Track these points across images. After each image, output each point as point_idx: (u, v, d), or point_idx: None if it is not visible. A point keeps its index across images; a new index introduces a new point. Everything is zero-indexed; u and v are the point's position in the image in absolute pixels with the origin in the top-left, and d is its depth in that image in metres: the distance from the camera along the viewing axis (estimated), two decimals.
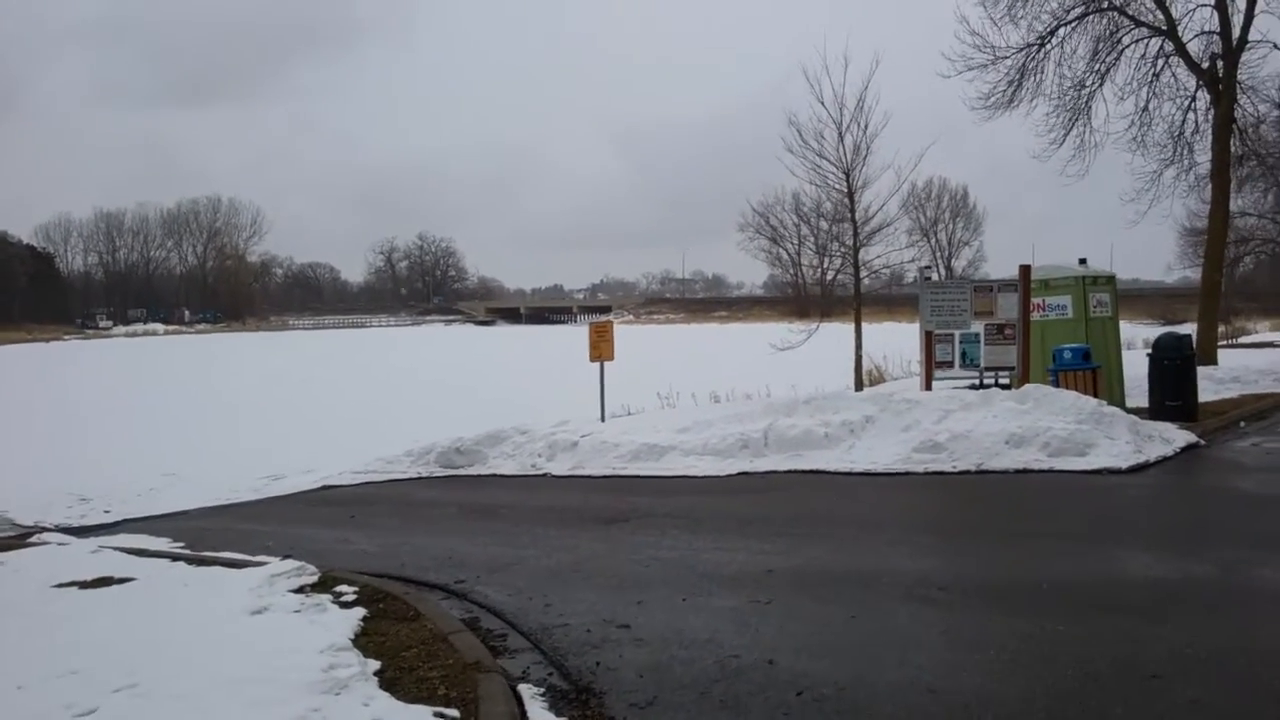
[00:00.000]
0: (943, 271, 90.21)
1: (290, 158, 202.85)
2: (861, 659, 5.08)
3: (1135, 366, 14.71)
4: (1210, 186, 20.23)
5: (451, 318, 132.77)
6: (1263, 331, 40.42)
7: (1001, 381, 13.51)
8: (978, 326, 13.77)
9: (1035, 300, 14.14)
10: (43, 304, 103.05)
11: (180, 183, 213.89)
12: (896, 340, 23.99)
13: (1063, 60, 20.03)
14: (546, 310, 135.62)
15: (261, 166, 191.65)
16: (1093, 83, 20.10)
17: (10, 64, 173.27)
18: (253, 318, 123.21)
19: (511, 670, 5.15)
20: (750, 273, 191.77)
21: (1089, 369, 12.80)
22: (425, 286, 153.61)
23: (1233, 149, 19.97)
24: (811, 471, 10.82)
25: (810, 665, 5.00)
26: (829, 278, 22.57)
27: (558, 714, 4.55)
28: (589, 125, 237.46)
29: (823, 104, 17.52)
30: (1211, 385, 15.56)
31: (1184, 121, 20.20)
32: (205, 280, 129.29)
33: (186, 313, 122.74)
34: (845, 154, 17.66)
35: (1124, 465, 9.93)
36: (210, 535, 9.51)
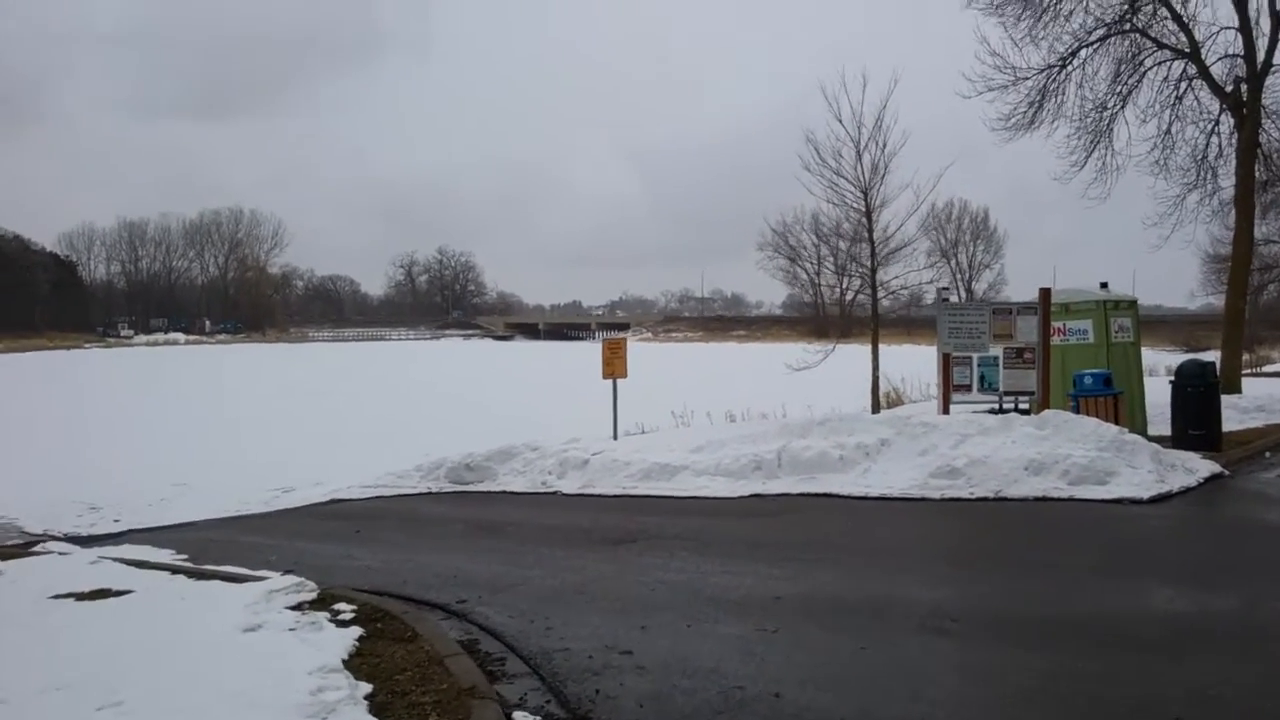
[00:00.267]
0: (963, 294, 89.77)
1: (311, 170, 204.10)
2: (871, 693, 4.91)
3: (1157, 393, 14.46)
4: (1234, 212, 19.93)
5: (470, 332, 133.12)
6: None
7: (1021, 406, 13.31)
8: (996, 350, 13.57)
9: (1055, 324, 13.94)
10: (65, 312, 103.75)
11: (203, 194, 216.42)
12: (915, 362, 23.77)
13: (1084, 82, 19.84)
14: (565, 326, 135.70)
15: (283, 179, 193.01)
16: (1114, 105, 19.89)
17: (37, 74, 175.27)
18: (273, 329, 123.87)
19: (508, 696, 5.00)
20: (769, 292, 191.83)
21: (1110, 395, 12.57)
22: (444, 301, 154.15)
23: (1257, 174, 19.70)
24: (825, 495, 10.63)
25: (817, 698, 4.83)
26: (848, 298, 22.43)
27: None
28: (609, 143, 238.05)
29: (841, 122, 17.46)
30: (1236, 414, 15.29)
31: (1207, 145, 19.95)
32: (226, 291, 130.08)
33: (208, 323, 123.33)
34: (863, 173, 17.58)
35: (1146, 495, 9.70)
36: (214, 548, 9.41)
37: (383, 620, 6.09)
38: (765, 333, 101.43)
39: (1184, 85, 19.62)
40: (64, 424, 26.10)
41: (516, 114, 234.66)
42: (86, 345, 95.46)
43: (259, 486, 14.58)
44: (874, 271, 18.05)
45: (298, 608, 6.24)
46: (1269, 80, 18.76)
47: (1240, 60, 18.90)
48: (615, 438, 15.15)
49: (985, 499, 9.99)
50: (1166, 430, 13.16)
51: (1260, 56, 18.51)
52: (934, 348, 14.33)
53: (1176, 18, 18.82)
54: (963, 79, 19.96)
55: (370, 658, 5.31)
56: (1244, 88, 18.86)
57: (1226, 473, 10.98)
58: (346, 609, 6.29)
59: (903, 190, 17.88)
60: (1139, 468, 10.37)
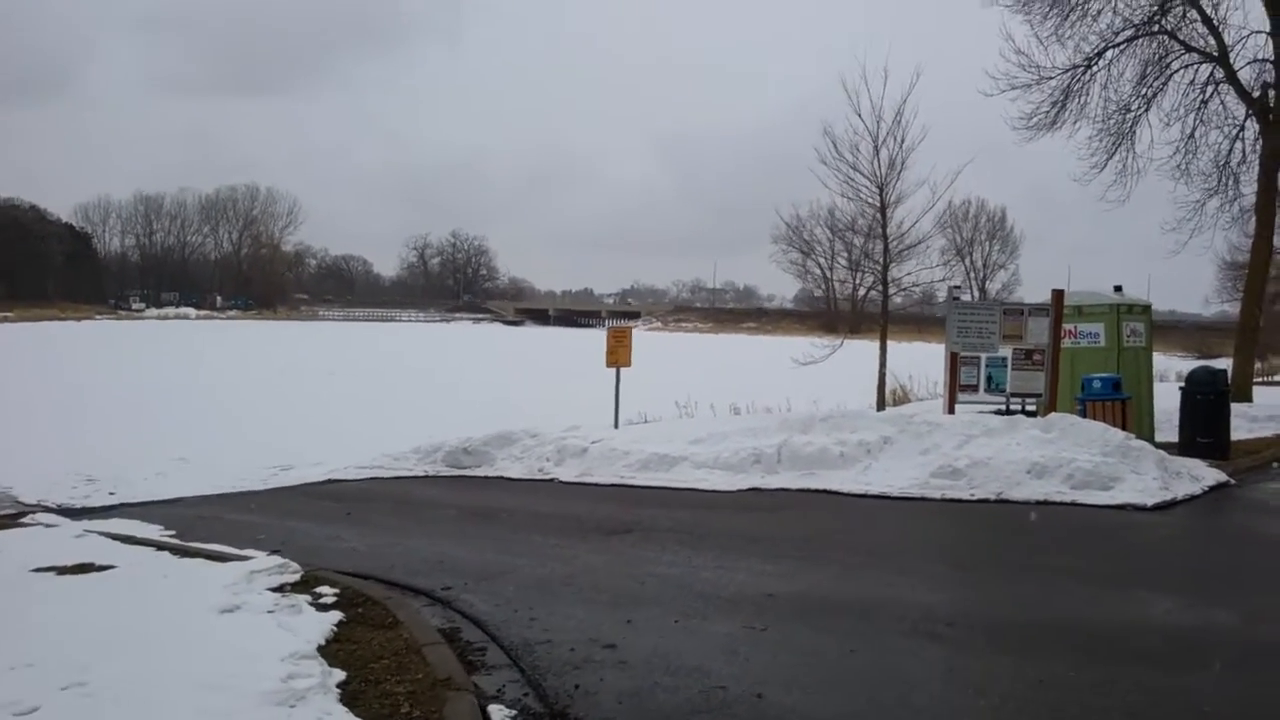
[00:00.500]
0: (976, 294, 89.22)
1: (328, 150, 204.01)
2: (856, 697, 4.78)
3: (1166, 399, 14.26)
4: (1254, 219, 19.65)
5: (480, 316, 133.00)
6: None
7: (1028, 408, 13.12)
8: (1005, 351, 13.38)
9: (1067, 326, 13.73)
10: (78, 283, 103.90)
11: (222, 171, 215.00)
12: (924, 361, 23.57)
13: (1109, 83, 19.54)
14: (575, 313, 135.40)
15: (300, 158, 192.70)
16: (1138, 107, 19.60)
17: (61, 49, 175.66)
18: (284, 306, 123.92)
19: (485, 688, 4.89)
20: (781, 285, 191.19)
21: (1119, 400, 12.39)
22: (456, 284, 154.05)
23: None
24: (824, 491, 10.48)
25: (801, 701, 4.70)
26: (860, 294, 22.26)
27: None
28: (627, 131, 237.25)
29: (860, 116, 17.28)
30: (1245, 423, 15.06)
31: (1231, 151, 19.63)
32: (239, 267, 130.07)
33: (219, 298, 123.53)
34: (880, 168, 17.40)
35: (1149, 502, 9.53)
36: (203, 524, 9.33)
37: (364, 605, 5.99)
38: (775, 326, 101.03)
39: (1210, 89, 19.31)
40: (69, 395, 26.08)
41: (536, 101, 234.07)
42: (98, 317, 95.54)
43: (258, 463, 14.50)
44: (886, 268, 17.88)
45: (279, 589, 6.14)
46: None
47: (1269, 65, 18.59)
48: (616, 427, 15.03)
49: (986, 500, 9.84)
50: (1174, 437, 12.97)
51: None
52: (943, 346, 14.15)
53: (1207, 20, 18.52)
54: (985, 76, 19.70)
55: (348, 644, 5.21)
56: (1272, 94, 18.57)
57: (1233, 482, 10.80)
58: (328, 592, 6.20)
59: (919, 187, 17.69)
60: (1144, 474, 10.20)
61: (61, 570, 6.60)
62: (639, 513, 9.62)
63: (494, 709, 4.58)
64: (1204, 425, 12.55)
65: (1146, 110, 19.63)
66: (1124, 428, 11.56)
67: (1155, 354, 15.53)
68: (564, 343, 63.77)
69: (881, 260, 17.91)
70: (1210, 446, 12.31)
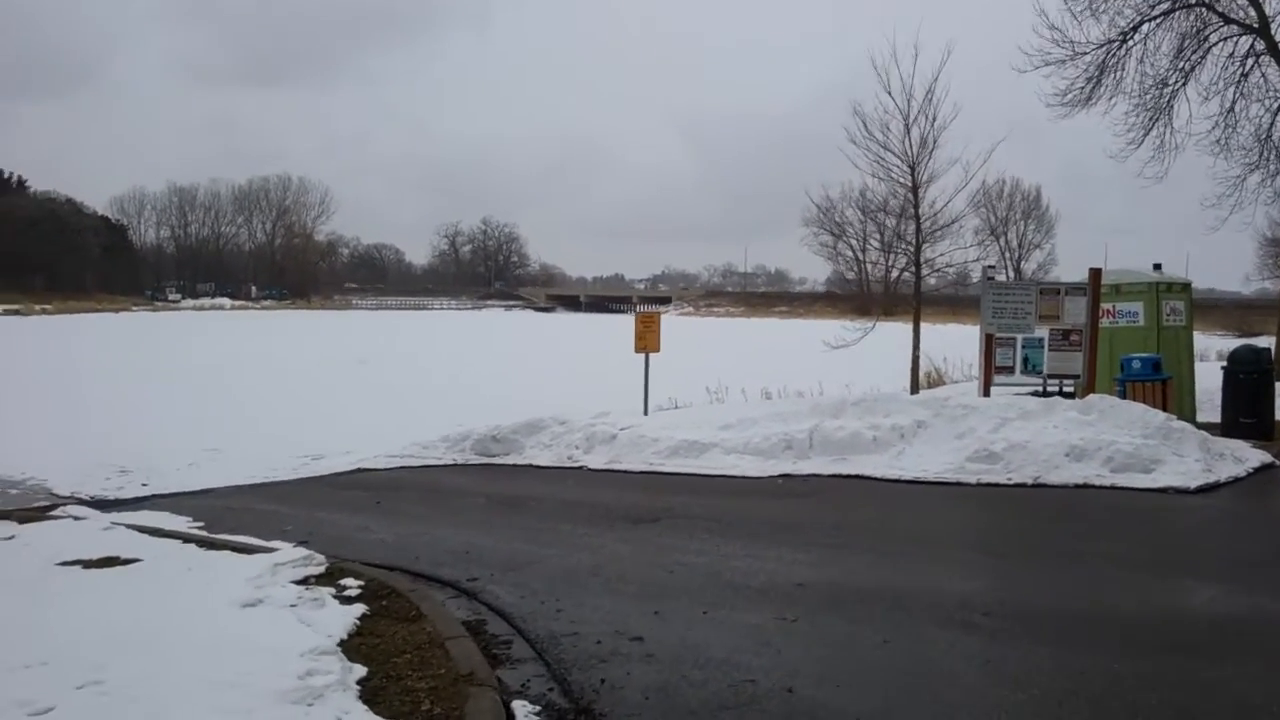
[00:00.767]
0: (1011, 274, 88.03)
1: (360, 140, 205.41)
2: (890, 692, 4.64)
3: (1207, 379, 13.95)
4: None
5: (512, 303, 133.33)
6: None
7: (1065, 390, 12.86)
8: (1042, 331, 13.11)
9: (1105, 306, 13.44)
10: (115, 275, 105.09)
11: (254, 162, 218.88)
12: (959, 342, 23.26)
13: (1145, 57, 19.06)
14: (606, 299, 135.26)
15: (332, 148, 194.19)
16: (1176, 81, 19.11)
17: (94, 40, 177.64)
18: (317, 296, 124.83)
19: (509, 683, 4.79)
20: (813, 268, 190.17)
21: (1159, 380, 12.11)
22: (487, 271, 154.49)
23: None
24: (856, 477, 10.31)
25: (832, 696, 4.57)
26: (893, 276, 21.98)
27: None
28: (657, 117, 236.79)
29: (890, 94, 17.05)
30: None
31: (1272, 124, 19.10)
32: (273, 257, 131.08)
33: (254, 288, 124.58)
34: (911, 147, 17.17)
35: (1192, 485, 9.29)
36: (232, 515, 9.30)
37: (389, 598, 5.91)
38: (808, 309, 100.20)
39: (1250, 62, 18.79)
40: (106, 386, 26.32)
41: (564, 88, 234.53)
42: (135, 308, 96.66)
43: (290, 453, 14.52)
44: (918, 248, 17.63)
45: (303, 582, 6.09)
46: None
47: None
48: (646, 413, 14.90)
49: (1023, 485, 9.63)
50: (1215, 418, 12.69)
51: None
52: (978, 327, 13.89)
53: None
54: (1018, 53, 19.29)
55: (370, 637, 5.13)
56: None
57: (1278, 463, 10.51)
58: (353, 584, 6.13)
59: (951, 165, 17.45)
60: (1186, 456, 9.96)
61: (87, 564, 6.58)
62: (668, 500, 9.49)
63: (518, 705, 4.48)
64: (1247, 405, 12.26)
65: (1184, 84, 19.15)
66: (1164, 409, 11.30)
67: (1194, 333, 15.18)
68: (594, 329, 63.72)
69: (914, 241, 17.66)
70: (1254, 427, 12.03)
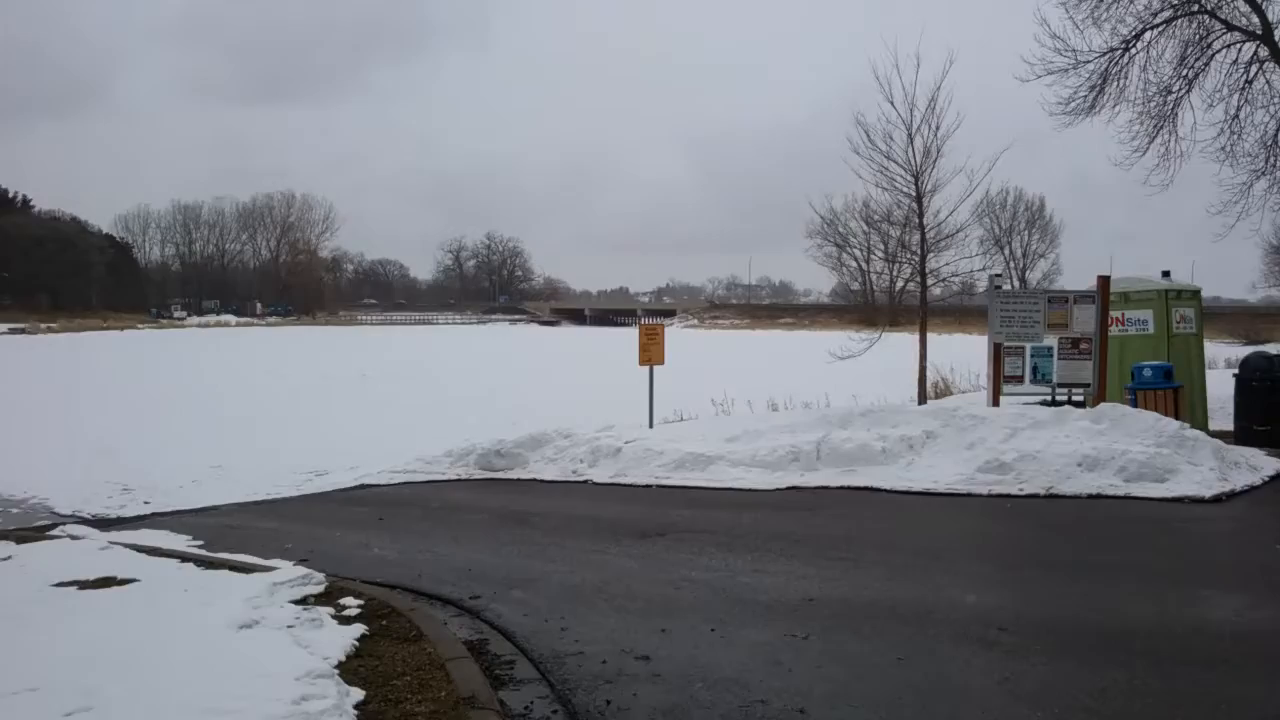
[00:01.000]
0: (1016, 283, 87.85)
1: (363, 157, 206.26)
2: (905, 712, 4.48)
3: (1218, 387, 13.79)
4: None
5: (516, 317, 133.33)
6: None
7: (1075, 399, 12.70)
8: (1051, 340, 12.97)
9: (1114, 314, 13.30)
10: (120, 293, 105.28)
11: (255, 179, 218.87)
12: (966, 352, 23.11)
13: (1148, 65, 18.92)
14: (611, 312, 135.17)
15: (336, 164, 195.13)
16: (1179, 89, 18.97)
17: (96, 59, 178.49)
18: (323, 312, 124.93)
19: (512, 705, 4.64)
20: (817, 280, 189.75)
21: (1170, 388, 11.96)
22: (492, 285, 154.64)
23: None
24: (865, 489, 10.15)
25: (846, 716, 4.41)
26: (898, 286, 21.83)
27: None
28: (659, 130, 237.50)
29: (892, 104, 16.88)
30: None
31: (1278, 131, 18.99)
32: (278, 274, 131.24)
33: (259, 305, 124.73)
34: (914, 157, 16.98)
35: (1207, 494, 9.13)
36: (232, 534, 9.18)
37: (389, 617, 5.77)
38: (812, 320, 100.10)
39: (1255, 69, 18.66)
40: (111, 404, 26.24)
41: (570, 103, 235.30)
42: (140, 326, 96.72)
43: (293, 469, 14.46)
44: (923, 258, 17.46)
45: (302, 602, 5.95)
46: None
47: None
48: (650, 426, 14.76)
49: (1035, 496, 9.46)
50: (1228, 425, 12.55)
51: None
52: (985, 337, 13.75)
53: None
54: (1020, 62, 19.18)
55: (370, 659, 4.99)
56: None
57: None
58: (353, 604, 5.99)
59: (955, 175, 17.25)
60: (1200, 465, 9.79)
61: (83, 585, 6.45)
62: (674, 514, 9.35)
63: None
64: (1261, 413, 12.12)
65: (1188, 92, 19.00)
66: (1177, 417, 11.16)
67: (1204, 340, 15.03)
68: (599, 341, 63.59)
69: (919, 251, 17.50)
70: (1268, 435, 11.88)
